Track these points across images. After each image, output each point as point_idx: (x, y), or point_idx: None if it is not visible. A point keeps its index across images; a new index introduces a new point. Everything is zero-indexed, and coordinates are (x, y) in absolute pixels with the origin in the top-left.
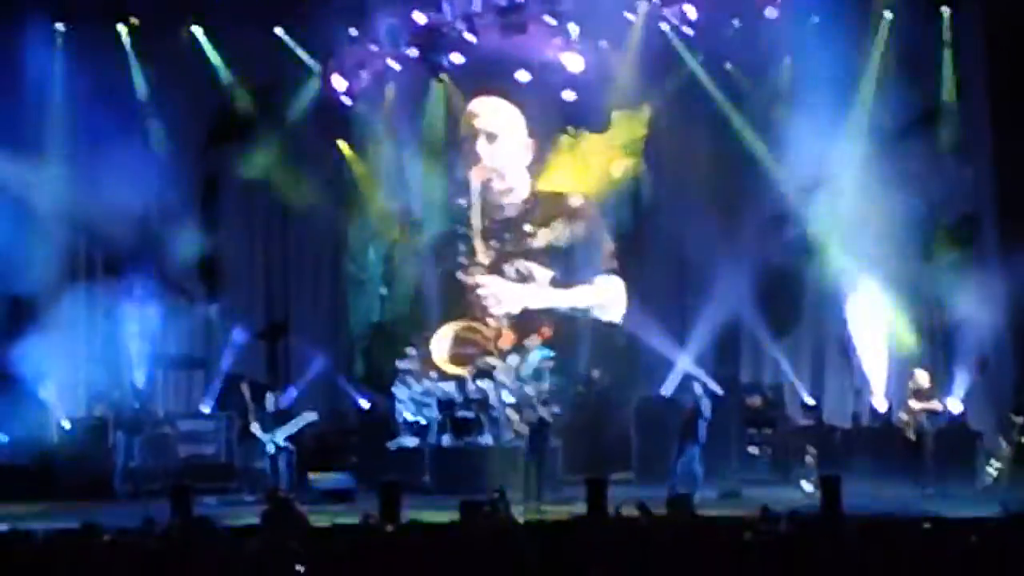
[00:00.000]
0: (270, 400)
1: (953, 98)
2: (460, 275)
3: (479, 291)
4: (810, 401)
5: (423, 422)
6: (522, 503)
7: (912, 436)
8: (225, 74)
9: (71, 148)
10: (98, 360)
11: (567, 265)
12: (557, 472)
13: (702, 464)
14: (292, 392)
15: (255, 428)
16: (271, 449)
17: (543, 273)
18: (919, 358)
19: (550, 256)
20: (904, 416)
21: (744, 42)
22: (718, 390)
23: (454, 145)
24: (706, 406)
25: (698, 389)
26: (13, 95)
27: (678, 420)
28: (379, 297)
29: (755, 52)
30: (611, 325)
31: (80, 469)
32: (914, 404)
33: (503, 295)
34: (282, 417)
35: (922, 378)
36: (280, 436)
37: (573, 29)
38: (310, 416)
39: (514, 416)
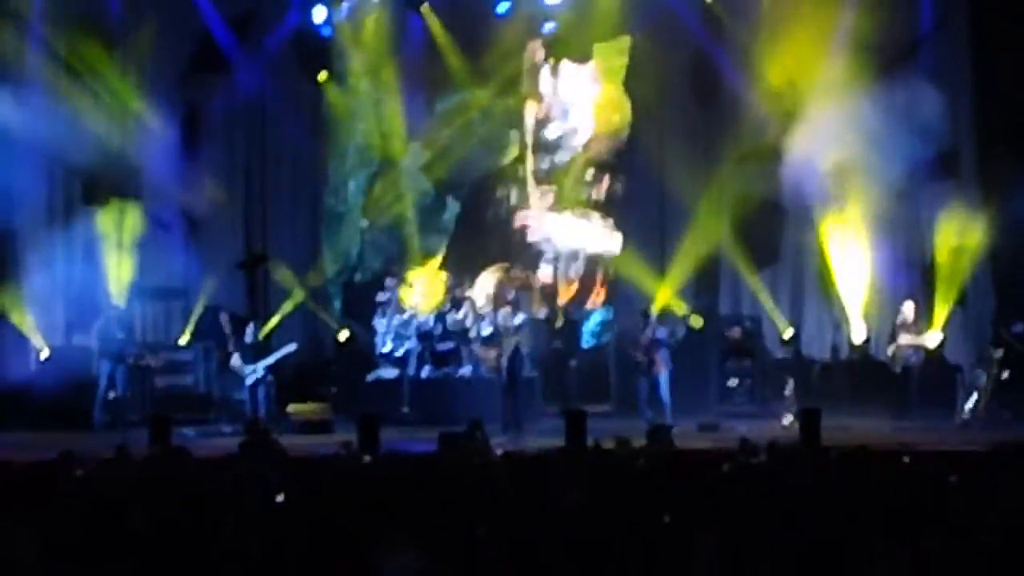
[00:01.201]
0: (249, 331)
1: (932, 29)
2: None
3: (529, 234)
4: (788, 333)
5: (401, 354)
6: (501, 434)
7: (898, 370)
8: (205, 3)
9: (49, 79)
10: (77, 288)
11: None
12: (535, 403)
13: (669, 392)
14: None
15: (235, 360)
16: (250, 380)
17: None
18: (901, 291)
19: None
20: (891, 350)
21: None
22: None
23: (436, 77)
24: (663, 333)
25: (652, 319)
26: None
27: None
28: (359, 230)
29: None
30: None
31: (57, 399)
32: (904, 339)
33: (556, 234)
34: (262, 348)
35: (909, 311)
36: (260, 367)
37: None
38: (290, 347)
39: (490, 351)
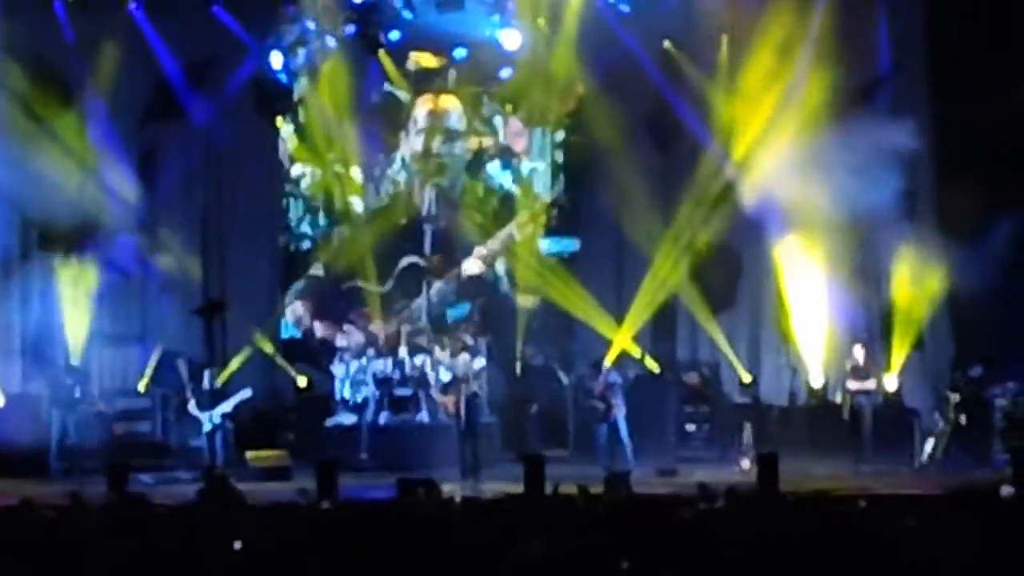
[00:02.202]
0: (206, 378)
1: (890, 71)
2: None
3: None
4: (747, 378)
5: (360, 400)
6: (459, 480)
7: (845, 415)
8: (162, 50)
9: (6, 125)
10: (33, 336)
11: None
12: (494, 449)
13: (627, 436)
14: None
15: (191, 406)
16: (208, 427)
17: None
18: (856, 335)
19: None
20: (838, 396)
21: (682, 19)
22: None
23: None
24: (614, 376)
25: (605, 367)
26: None
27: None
28: (316, 276)
29: (693, 30)
30: (545, 302)
31: (14, 445)
32: (851, 384)
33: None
34: (218, 394)
35: (859, 355)
36: (217, 413)
37: (511, 6)
38: (245, 393)
39: (448, 397)
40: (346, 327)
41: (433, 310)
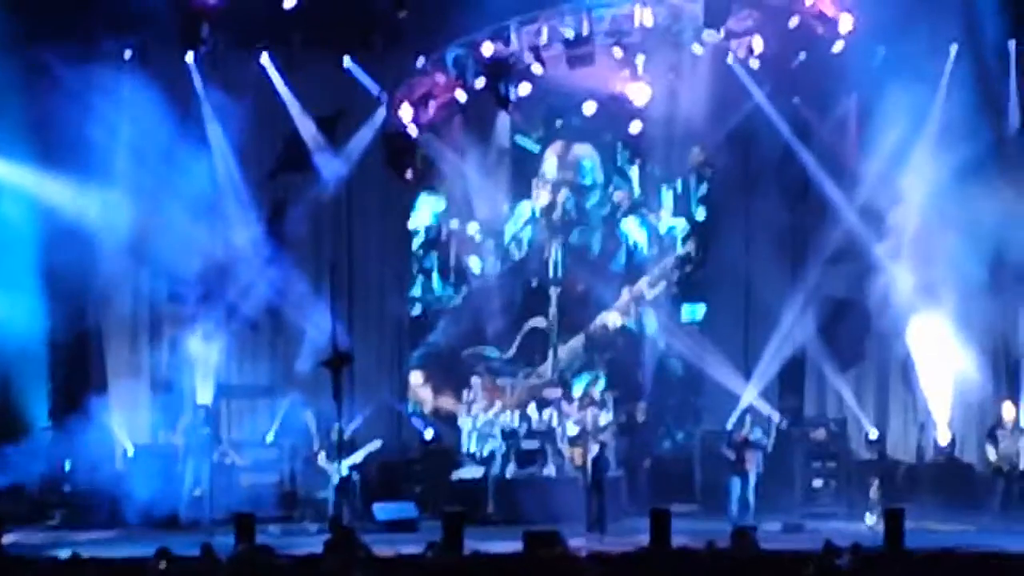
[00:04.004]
0: (335, 429)
1: (1019, 131)
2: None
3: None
4: (874, 434)
5: (486, 453)
6: (584, 534)
7: (1005, 469)
8: (292, 102)
9: (137, 177)
10: (163, 389)
11: None
12: (620, 502)
13: (754, 493)
14: (358, 420)
15: (321, 458)
16: (336, 479)
17: None
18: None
19: None
20: (992, 452)
21: (810, 75)
22: (777, 420)
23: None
24: (758, 434)
25: (748, 419)
26: (81, 122)
27: (731, 451)
28: (442, 327)
29: (821, 85)
30: (674, 358)
31: (144, 497)
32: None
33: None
34: (347, 446)
35: (1008, 412)
36: (345, 465)
37: (640, 61)
38: (375, 444)
39: (576, 450)
40: (466, 393)
41: (560, 376)
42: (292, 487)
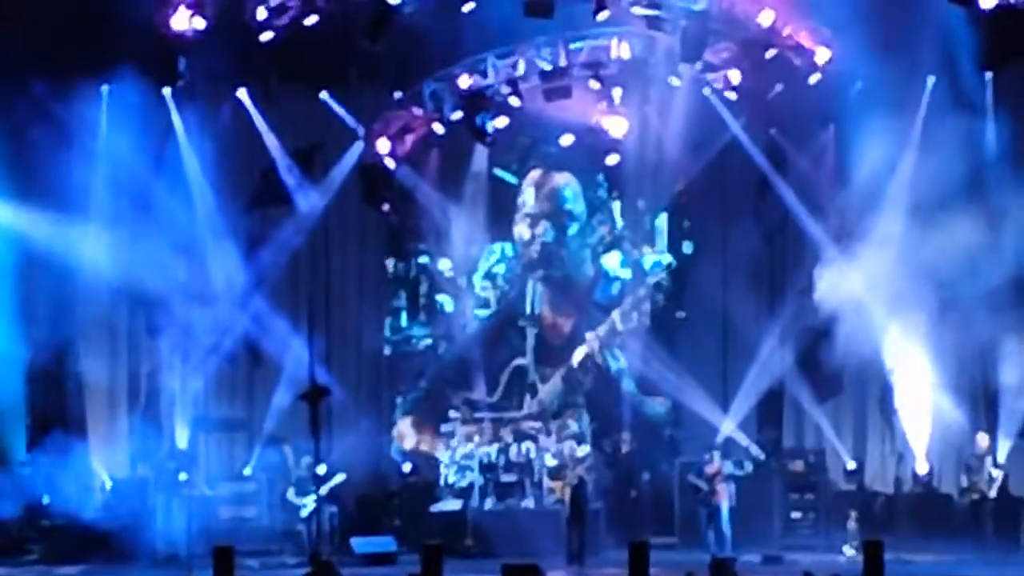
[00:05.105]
0: (304, 463)
1: (996, 163)
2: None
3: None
4: (852, 465)
5: (465, 485)
6: (564, 567)
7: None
8: (269, 136)
9: (115, 210)
10: (140, 421)
11: None
12: (599, 534)
13: (729, 525)
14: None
15: (290, 492)
16: (305, 512)
17: None
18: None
19: None
20: (964, 481)
21: (787, 107)
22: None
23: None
24: (730, 468)
25: (716, 453)
26: (59, 155)
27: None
28: (421, 361)
29: (798, 117)
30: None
31: (123, 530)
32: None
33: None
34: (315, 480)
35: (983, 442)
36: (311, 499)
37: (617, 93)
38: (339, 477)
39: (557, 482)
40: (444, 426)
41: (541, 415)
42: (270, 520)
